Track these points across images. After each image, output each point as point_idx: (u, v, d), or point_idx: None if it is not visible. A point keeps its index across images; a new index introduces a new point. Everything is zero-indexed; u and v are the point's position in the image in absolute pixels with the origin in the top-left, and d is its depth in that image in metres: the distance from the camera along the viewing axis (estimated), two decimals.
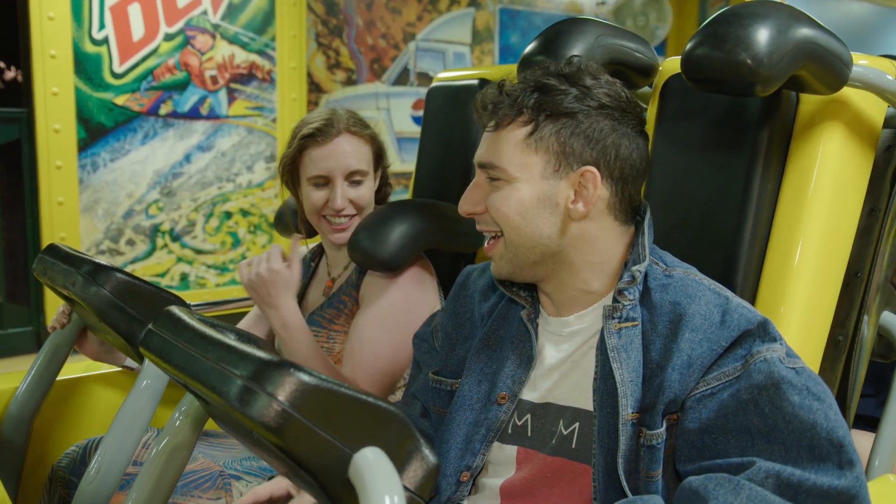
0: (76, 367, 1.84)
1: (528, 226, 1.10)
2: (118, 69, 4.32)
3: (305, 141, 1.63)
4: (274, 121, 4.86)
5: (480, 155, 1.14)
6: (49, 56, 4.08)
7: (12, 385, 1.65)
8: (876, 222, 1.31)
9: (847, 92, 1.23)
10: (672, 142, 1.35)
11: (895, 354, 1.49)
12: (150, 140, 4.49)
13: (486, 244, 1.17)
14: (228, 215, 4.81)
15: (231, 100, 4.71)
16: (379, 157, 1.70)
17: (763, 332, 1.02)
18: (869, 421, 1.74)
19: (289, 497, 1.30)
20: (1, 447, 1.58)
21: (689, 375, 1.02)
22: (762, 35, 1.07)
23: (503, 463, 1.17)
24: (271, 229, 4.94)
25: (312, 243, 1.88)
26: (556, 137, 1.08)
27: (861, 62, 1.22)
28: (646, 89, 1.54)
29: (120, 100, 4.35)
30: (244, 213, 4.87)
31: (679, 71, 1.29)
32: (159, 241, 4.60)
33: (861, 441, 1.45)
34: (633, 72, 1.42)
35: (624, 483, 1.04)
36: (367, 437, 0.75)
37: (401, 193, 4.43)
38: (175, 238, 4.65)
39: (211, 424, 1.56)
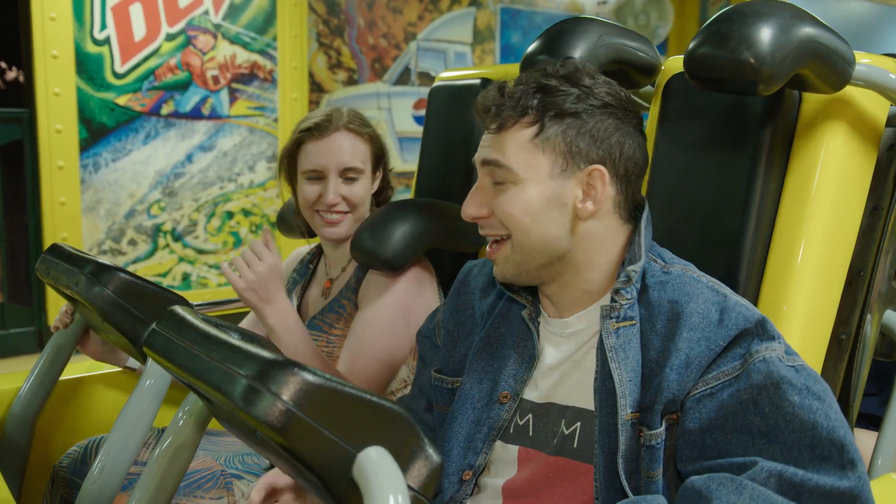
0: (78, 368, 1.84)
1: (538, 227, 1.09)
2: (120, 69, 4.32)
3: (303, 135, 1.64)
4: (275, 121, 4.86)
5: (485, 153, 1.12)
6: (51, 56, 4.08)
7: (15, 385, 1.65)
8: (878, 221, 1.31)
9: (850, 91, 1.23)
10: (674, 141, 1.35)
11: None
12: (152, 140, 4.49)
13: (488, 247, 1.16)
14: (230, 215, 4.81)
15: (233, 100, 4.71)
16: (379, 157, 1.70)
17: (761, 330, 1.02)
18: (872, 419, 1.74)
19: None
20: (4, 447, 1.58)
21: (687, 375, 1.02)
22: (765, 34, 1.07)
23: (505, 462, 1.17)
24: (273, 229, 4.95)
25: (313, 243, 1.88)
26: (563, 137, 1.08)
27: (864, 61, 1.21)
28: (648, 88, 1.54)
29: (122, 100, 4.36)
30: (246, 212, 4.87)
31: (681, 70, 1.30)
32: (161, 241, 4.60)
33: (864, 440, 1.45)
34: (635, 71, 1.42)
35: (625, 483, 1.04)
36: (371, 437, 0.75)
37: (403, 193, 4.43)
38: (177, 238, 4.65)
39: (213, 423, 1.56)
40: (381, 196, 1.75)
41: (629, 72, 1.41)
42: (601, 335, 1.09)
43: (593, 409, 1.09)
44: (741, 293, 1.23)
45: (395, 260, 1.56)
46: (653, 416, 1.03)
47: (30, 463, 1.63)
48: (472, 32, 5.85)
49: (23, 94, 4.29)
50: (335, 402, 0.73)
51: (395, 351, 1.58)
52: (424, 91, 5.55)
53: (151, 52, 4.41)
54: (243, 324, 1.90)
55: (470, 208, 1.14)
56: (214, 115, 4.67)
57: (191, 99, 4.58)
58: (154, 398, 1.33)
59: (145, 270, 4.51)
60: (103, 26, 4.25)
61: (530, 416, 1.16)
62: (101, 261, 1.36)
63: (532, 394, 1.16)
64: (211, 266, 4.79)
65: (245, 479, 1.50)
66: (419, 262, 1.65)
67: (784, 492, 0.91)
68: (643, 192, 1.37)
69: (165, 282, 4.60)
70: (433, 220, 1.65)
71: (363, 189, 1.65)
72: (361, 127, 1.66)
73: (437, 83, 1.99)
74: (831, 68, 1.15)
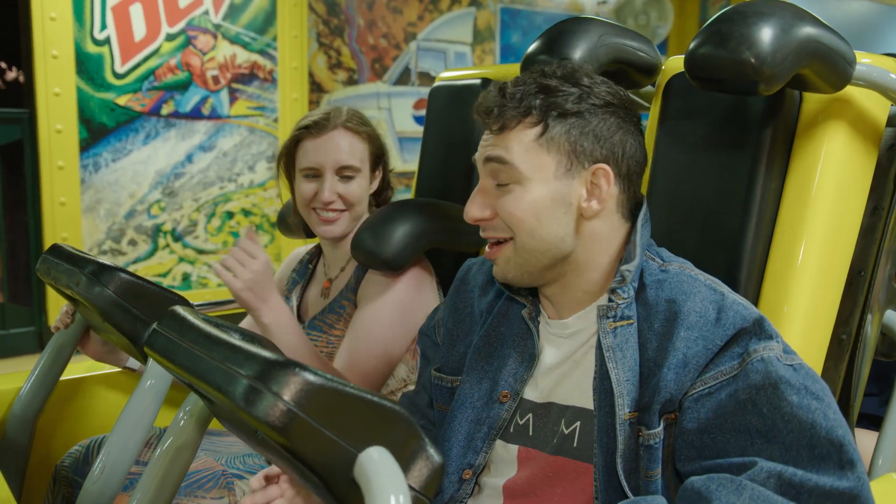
0: (78, 368, 1.84)
1: (543, 228, 1.09)
2: (120, 69, 4.33)
3: (301, 132, 1.65)
4: (275, 121, 4.86)
5: (488, 150, 1.11)
6: (51, 56, 4.08)
7: (16, 385, 1.65)
8: (879, 221, 1.31)
9: (850, 90, 1.23)
10: (675, 141, 1.35)
11: None
12: (152, 140, 4.49)
13: (488, 248, 1.15)
14: (230, 215, 4.82)
15: (233, 100, 4.71)
16: (378, 157, 1.69)
17: (759, 329, 1.01)
18: (872, 419, 1.74)
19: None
20: (4, 447, 1.58)
21: (684, 375, 1.02)
22: (766, 34, 1.07)
23: (505, 462, 1.17)
24: (273, 229, 4.95)
25: (312, 243, 1.88)
26: (567, 137, 1.08)
27: (864, 61, 1.21)
28: (648, 88, 1.54)
29: (122, 100, 4.36)
30: (246, 213, 4.87)
31: (682, 70, 1.30)
32: (161, 241, 4.60)
33: (864, 440, 1.45)
34: (636, 71, 1.42)
35: (624, 483, 1.04)
36: (373, 437, 0.75)
37: (403, 193, 4.43)
38: (177, 238, 4.65)
39: (214, 423, 1.56)
40: (380, 196, 1.75)
41: (630, 72, 1.41)
42: (598, 335, 1.09)
43: (592, 408, 1.09)
44: (742, 293, 1.23)
45: (395, 260, 1.56)
46: (651, 416, 1.03)
47: (30, 463, 1.63)
48: (472, 32, 5.85)
49: (23, 95, 4.29)
50: (336, 402, 0.73)
51: (393, 348, 1.58)
52: (424, 91, 5.55)
53: (151, 53, 4.41)
54: (243, 324, 1.90)
55: (473, 210, 1.13)
56: (214, 116, 4.67)
57: (191, 99, 4.58)
58: (155, 398, 1.33)
59: (145, 270, 4.51)
60: (103, 26, 4.25)
61: (530, 415, 1.15)
62: (101, 261, 1.36)
63: (532, 393, 1.16)
64: (211, 266, 4.79)
65: (246, 478, 1.50)
66: (419, 263, 1.65)
67: (783, 492, 0.91)
68: (644, 191, 1.37)
69: (165, 282, 4.60)
70: (433, 220, 1.65)
71: (360, 188, 1.65)
72: (360, 126, 1.65)
73: (437, 83, 1.99)
74: (832, 68, 1.15)
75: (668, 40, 6.73)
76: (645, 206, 1.15)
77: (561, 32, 1.35)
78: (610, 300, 1.09)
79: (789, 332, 1.20)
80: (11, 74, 4.63)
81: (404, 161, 5.48)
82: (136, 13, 4.35)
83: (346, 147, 1.62)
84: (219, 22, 4.61)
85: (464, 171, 1.83)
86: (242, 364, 0.75)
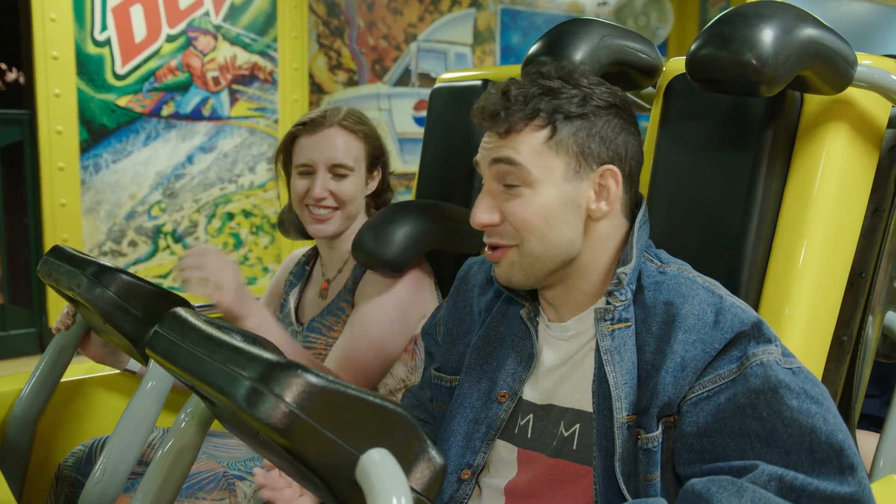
0: (79, 369, 1.84)
1: (553, 231, 1.08)
2: (120, 70, 4.33)
3: (297, 129, 1.65)
4: (276, 122, 4.86)
5: (496, 152, 1.09)
6: (51, 57, 4.09)
7: (17, 387, 1.65)
8: (880, 222, 1.31)
9: (851, 92, 1.23)
10: (676, 142, 1.35)
11: None
12: (153, 141, 4.49)
13: (488, 250, 1.13)
14: (230, 216, 4.82)
15: (233, 101, 4.72)
16: (375, 158, 1.68)
17: (757, 333, 1.01)
18: (873, 420, 1.74)
19: None
20: (5, 449, 1.58)
21: (682, 378, 1.01)
22: (767, 35, 1.07)
23: (505, 463, 1.17)
24: (273, 230, 4.95)
25: (310, 245, 1.88)
26: (575, 139, 1.07)
27: (865, 62, 1.22)
28: (649, 90, 1.54)
29: (122, 101, 4.36)
30: (246, 214, 4.87)
31: (683, 71, 1.30)
32: (161, 243, 4.60)
33: (865, 441, 1.45)
34: (637, 72, 1.42)
35: (622, 486, 1.04)
36: (374, 439, 0.75)
37: (404, 194, 4.43)
38: (177, 239, 4.65)
39: (215, 424, 1.56)
40: (379, 198, 1.74)
41: (631, 73, 1.41)
42: (596, 337, 1.09)
43: (591, 411, 1.09)
44: (743, 294, 1.23)
45: (396, 261, 1.56)
46: (649, 419, 1.03)
47: (31, 465, 1.63)
48: (472, 33, 5.85)
49: (23, 96, 4.29)
50: (338, 403, 0.73)
51: (389, 346, 1.58)
52: (425, 92, 5.55)
53: (152, 54, 4.42)
54: None
55: (481, 215, 1.10)
56: (215, 117, 4.67)
57: (191, 100, 4.58)
58: (156, 400, 1.33)
59: (146, 272, 4.51)
60: (104, 27, 4.25)
61: (530, 416, 1.15)
62: (102, 262, 1.36)
63: (532, 394, 1.16)
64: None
65: (248, 479, 1.50)
66: (418, 264, 1.65)
67: (784, 495, 0.90)
68: (644, 193, 1.37)
69: (166, 283, 4.60)
70: (435, 221, 1.65)
71: (352, 187, 1.64)
72: (356, 125, 1.64)
73: (438, 84, 1.99)
74: (833, 69, 1.15)
75: (668, 41, 6.74)
76: (644, 207, 1.15)
77: (562, 34, 1.35)
78: (607, 303, 1.09)
79: (790, 333, 1.20)
80: (12, 75, 4.64)
81: (404, 162, 5.48)
82: (137, 14, 4.35)
83: (340, 145, 1.62)
84: (219, 23, 4.61)
85: (465, 173, 1.83)
86: (244, 366, 0.75)
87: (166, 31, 4.45)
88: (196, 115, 4.61)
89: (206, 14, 4.56)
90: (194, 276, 1.43)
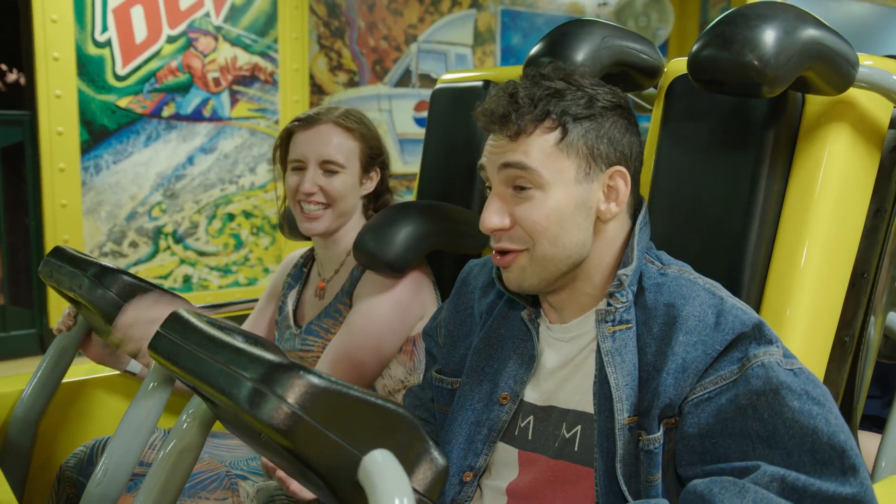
0: (79, 370, 1.84)
1: (565, 234, 1.07)
2: (121, 71, 4.33)
3: (293, 125, 1.65)
4: (276, 122, 4.86)
5: (506, 156, 1.07)
6: (52, 58, 4.09)
7: (18, 388, 1.65)
8: (882, 222, 1.31)
9: (853, 93, 1.23)
10: (678, 143, 1.35)
11: None
12: (153, 142, 4.49)
13: (497, 256, 1.11)
14: (231, 217, 4.82)
15: (233, 102, 4.72)
16: (371, 158, 1.67)
17: (758, 334, 1.01)
18: (875, 421, 1.74)
19: None
20: (7, 450, 1.58)
21: (683, 380, 1.01)
22: (769, 36, 1.07)
23: (506, 464, 1.17)
24: (274, 231, 4.95)
25: (307, 247, 1.88)
26: (584, 141, 1.07)
27: (867, 63, 1.21)
28: (650, 90, 1.54)
29: (123, 102, 4.36)
30: (247, 214, 4.87)
31: (684, 72, 1.30)
32: (162, 244, 4.60)
33: (867, 442, 1.45)
34: (638, 73, 1.42)
35: (624, 487, 1.04)
36: (377, 440, 0.75)
37: (405, 195, 4.43)
38: (178, 240, 4.65)
39: (216, 425, 1.56)
40: (378, 200, 1.73)
41: (632, 74, 1.41)
42: (598, 339, 1.09)
43: (593, 412, 1.09)
44: (744, 295, 1.23)
45: (398, 262, 1.55)
46: (650, 421, 1.03)
47: (32, 466, 1.63)
48: (472, 34, 5.85)
49: (24, 97, 4.29)
50: (340, 404, 0.73)
51: (386, 346, 1.58)
52: (425, 93, 5.55)
53: (152, 55, 4.42)
54: (245, 325, 1.90)
55: (492, 219, 1.08)
56: (215, 117, 4.67)
57: (192, 101, 4.58)
58: (157, 401, 1.33)
59: (146, 272, 4.51)
60: (104, 28, 4.25)
61: (531, 418, 1.15)
62: (104, 263, 1.36)
63: (533, 396, 1.16)
64: (212, 268, 4.79)
65: (250, 479, 1.50)
66: (418, 266, 1.65)
67: (786, 496, 0.90)
68: (646, 193, 1.37)
69: (166, 284, 4.60)
70: (436, 222, 1.65)
71: (343, 184, 1.63)
72: (352, 123, 1.64)
73: (439, 85, 1.99)
74: (835, 70, 1.15)
75: (669, 42, 6.73)
76: (644, 209, 1.15)
77: (564, 34, 1.35)
78: (608, 304, 1.09)
79: (792, 334, 1.20)
80: (12, 76, 4.64)
81: (405, 163, 5.48)
82: (137, 15, 4.35)
83: (332, 142, 1.61)
84: (220, 24, 4.61)
85: (466, 173, 1.83)
86: (246, 367, 0.75)
87: (167, 32, 4.45)
88: (197, 116, 4.61)
89: (207, 15, 4.56)
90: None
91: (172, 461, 1.08)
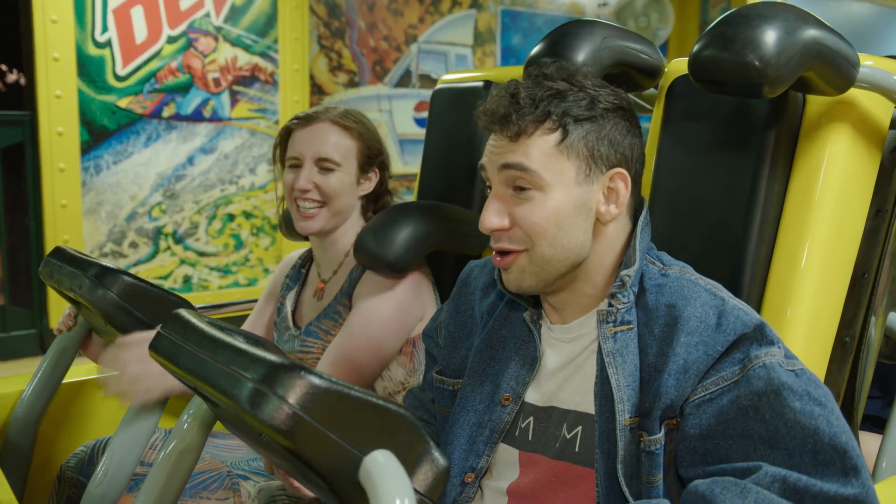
0: (79, 371, 1.84)
1: (565, 235, 1.07)
2: (121, 72, 4.33)
3: (292, 123, 1.65)
4: (276, 123, 4.86)
5: (506, 157, 1.07)
6: (52, 59, 4.09)
7: (18, 388, 1.65)
8: (883, 223, 1.31)
9: (854, 93, 1.23)
10: (678, 143, 1.35)
11: None
12: (153, 142, 4.49)
13: (497, 257, 1.11)
14: (231, 217, 4.82)
15: (234, 102, 4.72)
16: (370, 158, 1.66)
17: (760, 335, 1.01)
18: (876, 421, 1.74)
19: None
20: (7, 450, 1.58)
21: (685, 381, 1.01)
22: (770, 36, 1.07)
23: (507, 465, 1.17)
24: (274, 231, 4.95)
25: (305, 248, 1.87)
26: (585, 142, 1.07)
27: (867, 63, 1.21)
28: (651, 91, 1.54)
29: (123, 102, 4.36)
30: (247, 215, 4.87)
31: (685, 72, 1.30)
32: (162, 244, 4.60)
33: (868, 442, 1.45)
34: (639, 73, 1.42)
35: (625, 488, 1.03)
36: (378, 440, 0.75)
37: (405, 195, 4.43)
38: (178, 240, 4.65)
39: (217, 425, 1.56)
40: (378, 202, 1.72)
41: (633, 74, 1.41)
42: (599, 340, 1.09)
43: (594, 413, 1.09)
44: (745, 296, 1.23)
45: (398, 262, 1.55)
46: (652, 422, 1.03)
47: (33, 466, 1.63)
48: (472, 34, 5.85)
49: (24, 97, 4.29)
50: (342, 405, 0.73)
51: (386, 346, 1.58)
52: (425, 93, 5.55)
53: (153, 55, 4.42)
54: (245, 326, 1.90)
55: (491, 219, 1.09)
56: (215, 118, 4.67)
57: (192, 101, 4.58)
58: (158, 401, 1.33)
59: (146, 273, 4.51)
60: (104, 29, 4.25)
61: (531, 419, 1.15)
62: (104, 264, 1.36)
63: (534, 396, 1.16)
64: (212, 268, 4.79)
65: (252, 479, 1.50)
66: (418, 266, 1.65)
67: (788, 496, 0.90)
68: (646, 194, 1.37)
69: (166, 284, 4.60)
70: (437, 222, 1.65)
71: (339, 182, 1.62)
72: (350, 122, 1.64)
73: (439, 85, 1.99)
74: (836, 70, 1.15)
75: (669, 42, 6.74)
76: (645, 210, 1.15)
77: (564, 35, 1.35)
78: (610, 305, 1.09)
79: (792, 335, 1.20)
80: (12, 77, 4.64)
81: (405, 163, 5.48)
82: (138, 15, 4.35)
83: (329, 140, 1.61)
84: (220, 24, 4.61)
85: (466, 174, 1.82)
86: (247, 367, 0.75)
87: (167, 32, 4.45)
88: (197, 117, 4.61)
89: (207, 15, 4.57)
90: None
91: (173, 461, 1.09)
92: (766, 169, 1.24)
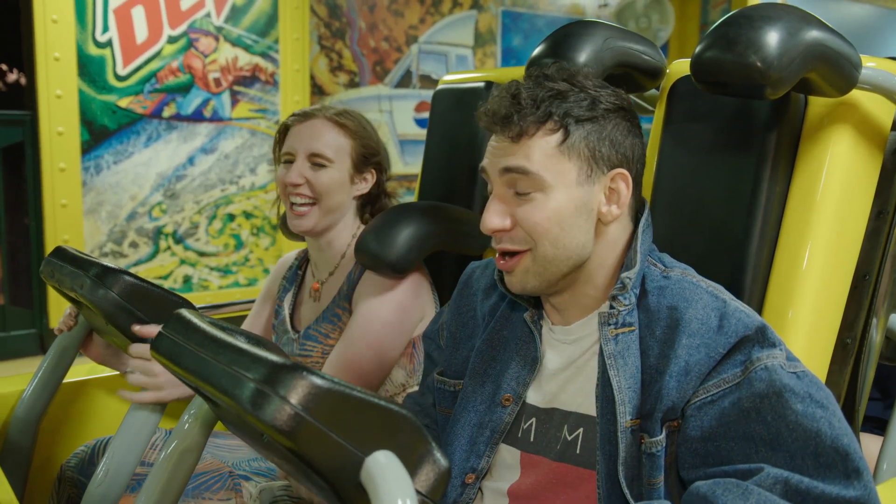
0: (79, 371, 1.84)
1: (566, 236, 1.07)
2: (122, 72, 4.33)
3: (289, 120, 1.66)
4: (277, 123, 4.86)
5: (507, 161, 1.07)
6: (53, 58, 4.09)
7: (19, 388, 1.65)
8: (884, 224, 1.31)
9: (855, 94, 1.23)
10: (680, 144, 1.35)
11: None
12: (154, 142, 4.49)
13: (501, 259, 1.11)
14: (231, 217, 4.82)
15: (234, 102, 4.72)
16: (365, 157, 1.65)
17: (762, 337, 1.01)
18: (877, 422, 1.74)
19: None
20: (7, 450, 1.58)
21: (686, 383, 1.01)
22: (772, 38, 1.07)
23: (508, 466, 1.17)
24: (274, 231, 4.95)
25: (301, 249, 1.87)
26: (586, 143, 1.07)
27: (869, 64, 1.22)
28: (652, 92, 1.54)
29: (123, 102, 4.36)
30: (247, 215, 4.87)
31: (687, 73, 1.30)
32: (162, 244, 4.60)
33: (868, 444, 1.45)
34: (640, 74, 1.42)
35: (626, 490, 1.03)
36: (380, 441, 0.75)
37: (405, 196, 4.43)
38: (178, 240, 4.65)
39: (218, 426, 1.56)
40: (376, 204, 1.71)
41: (634, 75, 1.41)
42: (600, 342, 1.09)
43: (595, 415, 1.09)
44: (746, 297, 1.23)
45: (399, 263, 1.55)
46: (653, 424, 1.03)
47: (33, 466, 1.63)
48: (473, 35, 5.85)
49: (24, 97, 4.29)
50: (344, 405, 0.73)
51: (388, 349, 1.57)
52: (426, 94, 5.55)
53: (153, 55, 4.42)
54: (245, 325, 1.89)
55: (493, 220, 1.09)
56: (216, 118, 4.67)
57: (192, 101, 4.58)
58: (159, 401, 1.33)
59: (146, 273, 4.51)
60: (105, 28, 4.25)
61: (533, 420, 1.15)
62: (105, 263, 1.36)
63: (535, 398, 1.16)
64: (212, 268, 4.79)
65: (253, 479, 1.50)
66: (417, 268, 1.64)
67: (789, 498, 0.90)
68: (648, 195, 1.37)
69: (166, 284, 4.60)
70: (438, 222, 1.64)
71: (330, 179, 1.61)
72: (346, 121, 1.63)
73: (441, 86, 1.99)
74: (838, 72, 1.15)
75: (669, 43, 6.74)
76: (647, 211, 1.15)
77: (566, 35, 1.35)
78: (611, 307, 1.09)
79: (794, 336, 1.20)
80: (13, 76, 4.64)
81: (405, 164, 5.48)
82: (138, 15, 4.35)
83: (323, 136, 1.61)
84: (220, 24, 4.61)
85: (467, 174, 1.83)
86: (249, 367, 0.75)
87: (168, 32, 4.45)
88: (197, 117, 4.61)
89: (208, 15, 4.57)
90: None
91: (174, 462, 1.08)
92: (767, 170, 1.24)
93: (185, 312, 0.93)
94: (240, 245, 4.87)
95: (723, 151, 1.29)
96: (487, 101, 1.11)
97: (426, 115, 4.43)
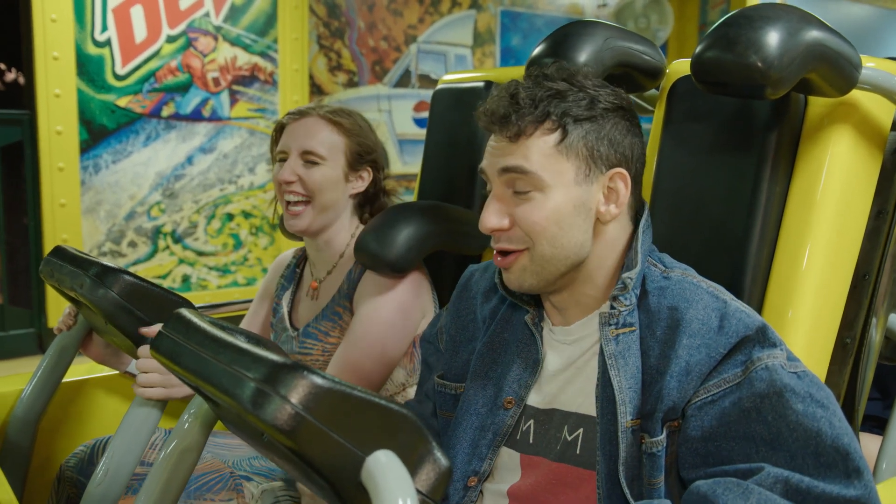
0: (79, 370, 1.84)
1: (565, 235, 1.07)
2: (120, 71, 4.33)
3: (285, 118, 1.66)
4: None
5: (505, 161, 1.07)
6: (51, 58, 4.08)
7: (18, 387, 1.64)
8: (883, 224, 1.31)
9: (855, 94, 1.23)
10: (680, 144, 1.35)
11: None
12: (153, 142, 4.49)
13: (499, 257, 1.11)
14: (230, 217, 4.81)
15: (233, 102, 4.71)
16: (360, 156, 1.65)
17: (762, 337, 1.01)
18: (876, 422, 1.74)
19: None
20: (7, 450, 1.58)
21: (687, 383, 1.01)
22: (773, 38, 1.07)
23: (509, 468, 1.17)
24: (273, 231, 4.95)
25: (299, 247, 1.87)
26: (584, 142, 1.07)
27: (869, 64, 1.22)
28: (652, 92, 1.54)
29: (122, 101, 4.36)
30: (246, 214, 4.87)
31: (687, 73, 1.30)
32: (161, 243, 4.60)
33: (868, 443, 1.45)
34: (640, 74, 1.42)
35: (626, 490, 1.03)
36: (380, 440, 0.75)
37: (405, 196, 4.42)
38: (177, 240, 4.65)
39: (218, 425, 1.56)
40: (374, 204, 1.71)
41: (634, 75, 1.41)
42: (601, 342, 1.09)
43: (595, 415, 1.09)
44: (746, 297, 1.23)
45: (399, 263, 1.55)
46: (654, 424, 1.03)
47: (32, 465, 1.63)
48: (472, 35, 5.85)
49: (23, 96, 4.29)
50: (344, 405, 0.73)
51: (391, 349, 1.57)
52: (425, 93, 5.55)
53: (152, 54, 4.41)
54: (244, 325, 1.89)
55: (491, 220, 1.09)
56: (215, 117, 4.67)
57: (191, 101, 4.58)
58: (158, 401, 1.33)
59: (145, 272, 4.51)
60: (104, 28, 4.25)
61: (532, 421, 1.15)
62: (105, 263, 1.36)
63: (535, 399, 1.16)
64: (211, 268, 4.79)
65: (254, 480, 1.50)
66: (417, 267, 1.64)
67: (790, 498, 0.90)
68: (648, 195, 1.37)
69: (165, 283, 4.59)
70: (437, 222, 1.64)
71: (322, 177, 1.60)
72: (340, 118, 1.63)
73: (440, 86, 1.99)
74: (838, 72, 1.15)
75: (668, 44, 6.74)
76: (646, 212, 1.15)
77: (566, 35, 1.35)
78: (612, 307, 1.09)
79: (794, 336, 1.20)
80: (12, 76, 4.63)
81: (405, 163, 5.48)
82: (137, 15, 4.35)
83: (316, 134, 1.61)
84: (219, 24, 4.61)
85: (467, 174, 1.83)
86: (249, 367, 0.75)
87: (166, 31, 4.45)
88: (196, 116, 4.61)
89: (207, 15, 4.56)
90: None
91: (174, 461, 1.08)
92: (767, 170, 1.24)
93: (185, 312, 0.93)
94: (238, 244, 4.87)
95: (723, 151, 1.29)
96: (486, 100, 1.11)
97: (425, 114, 4.41)
